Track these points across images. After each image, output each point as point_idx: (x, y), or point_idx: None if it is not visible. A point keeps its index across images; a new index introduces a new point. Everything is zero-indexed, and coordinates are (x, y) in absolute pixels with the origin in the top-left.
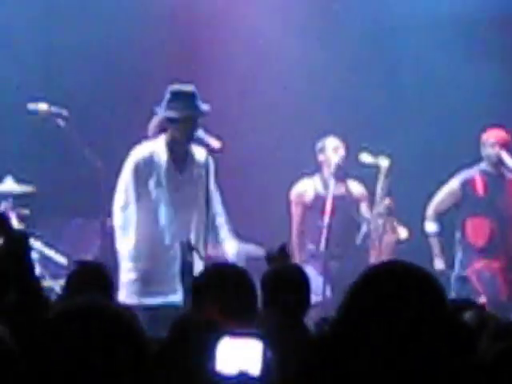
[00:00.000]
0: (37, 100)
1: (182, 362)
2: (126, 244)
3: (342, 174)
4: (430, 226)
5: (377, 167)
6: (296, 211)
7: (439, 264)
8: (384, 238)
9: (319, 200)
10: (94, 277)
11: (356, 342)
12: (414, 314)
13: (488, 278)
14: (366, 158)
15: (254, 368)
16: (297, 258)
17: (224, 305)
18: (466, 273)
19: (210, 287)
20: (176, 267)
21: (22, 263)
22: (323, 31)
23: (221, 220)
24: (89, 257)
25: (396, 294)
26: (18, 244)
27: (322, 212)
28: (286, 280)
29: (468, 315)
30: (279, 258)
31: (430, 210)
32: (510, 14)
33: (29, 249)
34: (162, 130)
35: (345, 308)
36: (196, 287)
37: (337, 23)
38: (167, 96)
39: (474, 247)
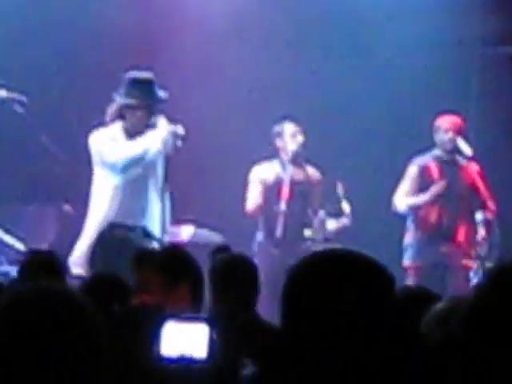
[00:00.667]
0: None
1: (129, 345)
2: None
3: (300, 160)
4: (400, 203)
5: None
6: (255, 189)
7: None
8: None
9: (278, 183)
10: (47, 264)
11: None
12: (354, 301)
13: (432, 267)
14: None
15: (200, 352)
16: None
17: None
18: (408, 264)
19: (160, 270)
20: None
21: None
22: (280, 16)
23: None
24: (45, 242)
25: (337, 281)
26: None
27: (279, 196)
28: (236, 269)
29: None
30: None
31: (398, 194)
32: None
33: None
34: (119, 116)
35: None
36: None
37: (294, 6)
38: (125, 83)
39: (423, 233)
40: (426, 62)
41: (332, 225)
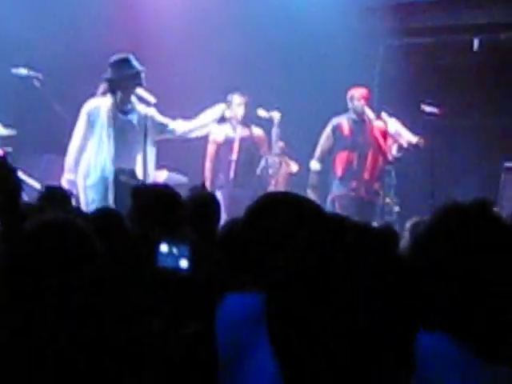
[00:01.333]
0: (18, 66)
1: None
2: (80, 176)
3: (246, 121)
4: (314, 165)
5: (271, 119)
6: (210, 149)
7: (311, 193)
8: (279, 171)
9: (229, 141)
10: (59, 196)
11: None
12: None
13: (346, 202)
14: (261, 112)
15: (183, 263)
16: (209, 186)
17: (160, 220)
18: (330, 197)
19: (149, 206)
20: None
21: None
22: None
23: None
24: (55, 182)
25: (287, 217)
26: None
27: (231, 150)
28: (202, 203)
29: None
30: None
31: (316, 152)
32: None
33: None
34: (107, 89)
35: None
36: (138, 207)
37: None
38: (111, 63)
39: (336, 177)
40: (344, 49)
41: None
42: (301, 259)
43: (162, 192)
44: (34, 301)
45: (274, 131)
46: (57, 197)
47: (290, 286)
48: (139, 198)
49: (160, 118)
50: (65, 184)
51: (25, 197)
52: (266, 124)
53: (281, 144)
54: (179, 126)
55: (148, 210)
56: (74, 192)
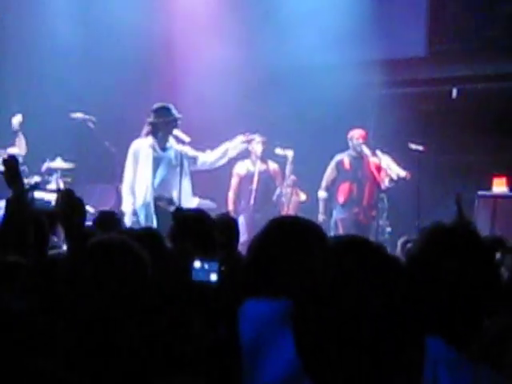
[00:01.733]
0: (76, 111)
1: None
2: (130, 202)
3: (264, 157)
4: (321, 194)
5: (286, 156)
6: (233, 181)
7: (321, 217)
8: (291, 199)
9: (250, 174)
10: (111, 220)
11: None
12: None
13: (348, 224)
14: (278, 151)
15: (214, 277)
16: (232, 211)
17: (197, 241)
18: (334, 220)
19: (186, 228)
20: None
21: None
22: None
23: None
24: (107, 207)
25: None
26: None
27: (251, 181)
28: (227, 227)
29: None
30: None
31: (322, 183)
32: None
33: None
34: (150, 131)
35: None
36: (177, 228)
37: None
38: (154, 109)
39: (339, 204)
40: (344, 97)
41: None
42: (318, 277)
43: (199, 216)
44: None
45: (288, 167)
46: (109, 220)
47: (315, 297)
48: (179, 220)
49: (192, 153)
50: (125, 209)
51: None
52: (281, 160)
53: (293, 177)
54: (207, 158)
55: (186, 230)
56: (128, 215)
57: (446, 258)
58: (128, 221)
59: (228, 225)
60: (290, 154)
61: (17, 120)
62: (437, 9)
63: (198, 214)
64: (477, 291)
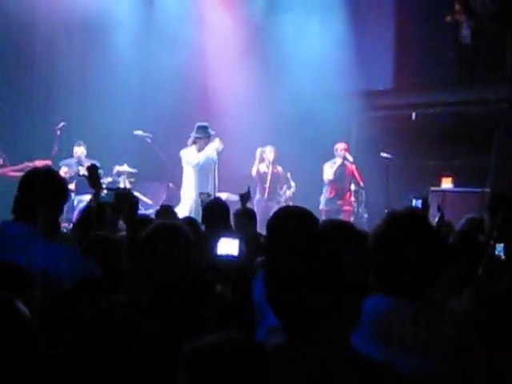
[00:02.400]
0: (137, 128)
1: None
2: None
3: (274, 162)
4: (328, 175)
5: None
6: (256, 179)
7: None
8: (290, 191)
9: (265, 174)
10: (168, 211)
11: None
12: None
13: (331, 215)
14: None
15: (235, 251)
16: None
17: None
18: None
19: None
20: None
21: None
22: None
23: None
24: (160, 200)
25: (288, 223)
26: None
27: (266, 179)
28: (246, 213)
29: None
30: (245, 195)
31: (326, 177)
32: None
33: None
34: (193, 143)
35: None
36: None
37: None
38: (196, 127)
39: (327, 197)
40: (331, 119)
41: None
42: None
43: (222, 206)
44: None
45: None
46: (166, 210)
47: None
48: (208, 209)
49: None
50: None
51: (142, 209)
52: (284, 163)
53: (289, 175)
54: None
55: (213, 216)
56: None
57: (399, 234)
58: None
59: (248, 212)
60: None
61: (79, 150)
62: (400, 53)
63: (222, 205)
64: (422, 258)
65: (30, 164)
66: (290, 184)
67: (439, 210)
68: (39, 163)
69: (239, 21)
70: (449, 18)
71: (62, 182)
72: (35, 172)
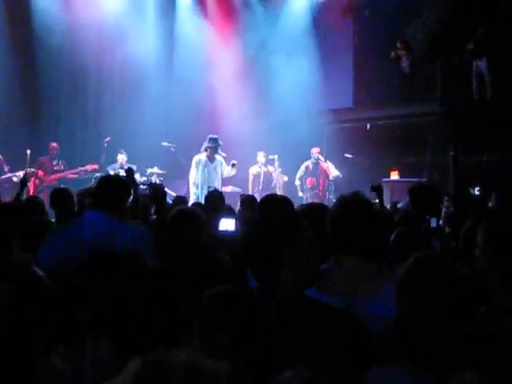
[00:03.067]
0: (164, 140)
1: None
2: (193, 191)
3: (266, 163)
4: (296, 182)
5: (274, 159)
6: (250, 178)
7: (300, 194)
8: (280, 181)
9: (258, 173)
10: (183, 200)
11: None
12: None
13: (313, 198)
14: (271, 157)
15: (232, 228)
16: (250, 192)
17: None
18: (306, 196)
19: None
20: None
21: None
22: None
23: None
24: (182, 193)
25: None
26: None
27: (259, 177)
28: (248, 199)
29: None
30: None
31: (297, 176)
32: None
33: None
34: (205, 150)
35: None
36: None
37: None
38: (208, 138)
39: (308, 187)
40: (307, 129)
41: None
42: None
43: (219, 195)
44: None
45: (276, 165)
46: (181, 200)
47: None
48: (211, 198)
49: (225, 165)
50: (191, 194)
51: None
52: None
53: (279, 169)
54: (226, 172)
55: (214, 204)
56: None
57: (348, 212)
58: (192, 200)
59: (250, 199)
60: (276, 158)
61: (122, 157)
62: (358, 80)
63: (218, 194)
64: (367, 229)
65: (82, 168)
66: (282, 177)
67: (373, 189)
68: (89, 167)
69: (238, 59)
70: (392, 54)
71: (127, 183)
72: (110, 176)
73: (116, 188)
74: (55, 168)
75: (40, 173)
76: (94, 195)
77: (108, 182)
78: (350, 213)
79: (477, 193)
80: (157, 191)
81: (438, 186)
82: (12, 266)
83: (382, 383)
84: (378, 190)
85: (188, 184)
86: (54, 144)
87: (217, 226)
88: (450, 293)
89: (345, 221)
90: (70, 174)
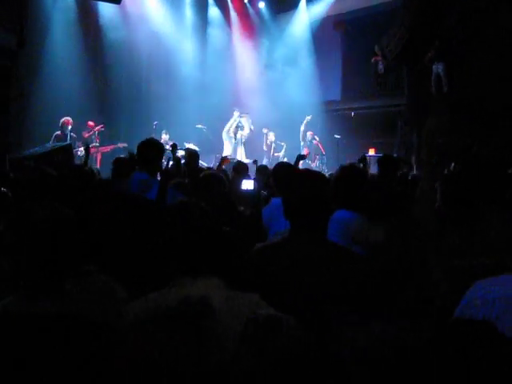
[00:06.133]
0: (198, 122)
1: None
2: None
3: (275, 141)
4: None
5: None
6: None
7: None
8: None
9: (269, 147)
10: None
11: None
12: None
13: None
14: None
15: (251, 187)
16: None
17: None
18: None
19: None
20: None
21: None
22: None
23: None
24: (211, 165)
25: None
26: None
27: (270, 149)
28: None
29: None
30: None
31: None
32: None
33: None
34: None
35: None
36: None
37: None
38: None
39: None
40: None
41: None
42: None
43: (244, 164)
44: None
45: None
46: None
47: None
48: (237, 165)
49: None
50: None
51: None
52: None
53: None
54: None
55: (238, 168)
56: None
57: (346, 174)
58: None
59: (264, 166)
60: (284, 146)
61: (166, 136)
62: (345, 78)
63: (243, 164)
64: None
65: (116, 145)
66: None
67: (360, 161)
68: (120, 144)
69: (256, 62)
70: (373, 60)
71: (162, 148)
72: (148, 142)
73: (155, 151)
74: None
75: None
76: (138, 160)
77: (150, 145)
78: (351, 175)
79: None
80: (192, 153)
81: (397, 158)
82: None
83: None
84: (363, 161)
85: (215, 157)
86: (91, 122)
87: (240, 185)
88: None
89: (347, 181)
90: (106, 148)
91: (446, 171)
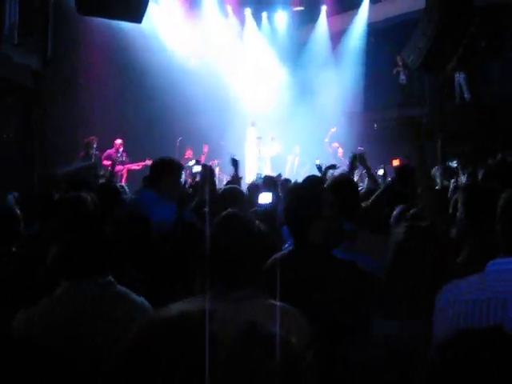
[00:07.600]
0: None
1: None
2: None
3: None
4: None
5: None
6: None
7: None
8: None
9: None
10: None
11: None
12: None
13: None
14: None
15: (269, 200)
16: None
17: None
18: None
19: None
20: None
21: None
22: None
23: None
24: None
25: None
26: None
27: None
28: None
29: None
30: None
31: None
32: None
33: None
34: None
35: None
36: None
37: None
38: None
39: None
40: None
41: None
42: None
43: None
44: None
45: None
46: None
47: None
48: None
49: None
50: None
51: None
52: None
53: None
54: None
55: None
56: None
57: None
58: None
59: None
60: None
61: (189, 153)
62: (368, 89)
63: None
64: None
65: (144, 162)
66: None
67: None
68: (148, 161)
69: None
70: (395, 71)
71: (181, 166)
72: (160, 162)
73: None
74: (119, 160)
75: (107, 162)
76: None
77: (153, 165)
78: (340, 185)
79: (454, 165)
80: (207, 169)
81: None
82: None
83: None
84: (354, 160)
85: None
86: (119, 140)
87: (257, 199)
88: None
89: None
90: (134, 166)
91: (466, 179)
